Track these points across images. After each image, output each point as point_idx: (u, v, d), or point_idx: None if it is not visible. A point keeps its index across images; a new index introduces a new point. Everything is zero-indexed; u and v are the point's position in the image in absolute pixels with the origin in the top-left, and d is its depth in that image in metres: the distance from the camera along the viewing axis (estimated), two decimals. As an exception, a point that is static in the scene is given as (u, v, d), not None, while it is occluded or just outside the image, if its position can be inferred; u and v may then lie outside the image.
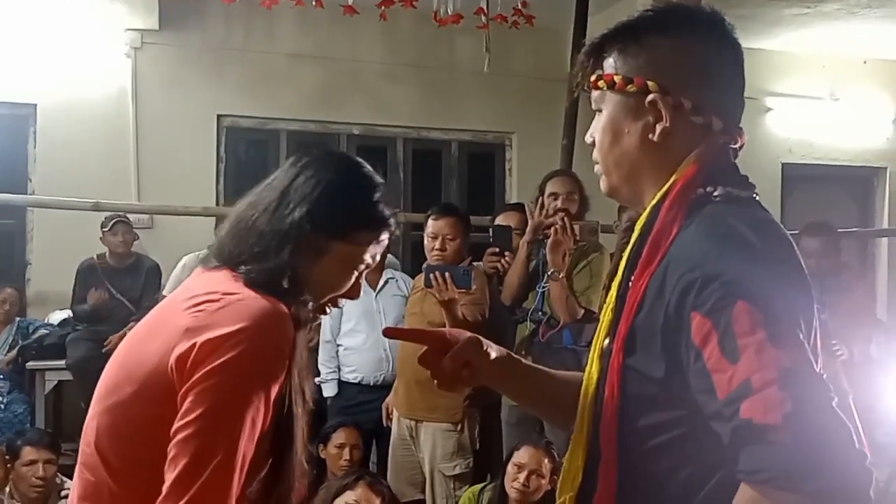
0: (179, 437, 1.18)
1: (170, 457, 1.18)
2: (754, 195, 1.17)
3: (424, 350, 1.35)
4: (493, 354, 1.36)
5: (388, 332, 1.41)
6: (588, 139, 1.26)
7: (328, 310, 1.44)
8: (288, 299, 1.28)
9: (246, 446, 1.20)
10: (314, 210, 1.34)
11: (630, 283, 1.15)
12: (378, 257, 1.44)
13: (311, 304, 1.33)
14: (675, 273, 1.07)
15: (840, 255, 4.35)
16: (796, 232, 4.14)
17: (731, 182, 1.16)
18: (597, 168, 1.26)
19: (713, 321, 1.01)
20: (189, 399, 1.19)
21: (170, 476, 1.17)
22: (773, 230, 1.12)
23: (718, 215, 1.11)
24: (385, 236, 1.42)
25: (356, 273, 1.41)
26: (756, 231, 1.08)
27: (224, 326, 1.21)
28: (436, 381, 1.36)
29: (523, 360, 1.43)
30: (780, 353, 0.98)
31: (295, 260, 1.31)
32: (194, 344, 1.20)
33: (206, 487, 1.16)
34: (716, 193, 1.13)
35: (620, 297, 1.17)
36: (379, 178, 1.43)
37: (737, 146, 1.20)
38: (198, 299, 1.27)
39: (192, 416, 1.18)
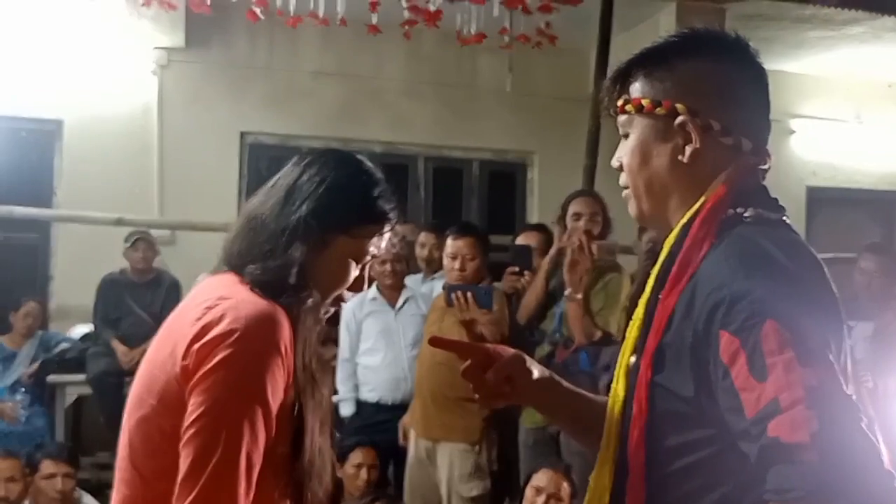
0: (185, 438, 1.23)
1: (181, 459, 1.23)
2: (784, 217, 1.17)
3: (468, 364, 1.36)
4: (536, 373, 1.37)
5: (434, 342, 1.44)
6: (615, 163, 1.27)
7: (342, 303, 1.48)
8: (291, 296, 1.33)
9: (250, 446, 1.24)
10: (319, 206, 1.39)
11: (658, 301, 1.15)
12: (381, 249, 1.48)
13: (313, 299, 1.37)
14: (703, 291, 1.07)
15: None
16: (826, 255, 4.12)
17: (762, 203, 1.16)
18: (625, 193, 1.27)
19: (741, 340, 1.01)
20: (191, 402, 1.24)
21: (179, 477, 1.22)
22: (803, 252, 1.12)
23: (748, 236, 1.11)
24: (387, 229, 1.46)
25: (359, 266, 1.46)
26: (786, 252, 1.08)
27: (217, 328, 1.26)
28: (477, 395, 1.37)
29: (564, 382, 1.42)
30: (809, 372, 0.97)
31: (302, 255, 1.36)
32: (193, 350, 1.26)
33: (210, 484, 1.20)
34: (746, 214, 1.14)
35: (648, 315, 1.17)
36: (379, 174, 1.48)
37: (765, 167, 1.21)
38: (200, 307, 1.31)
39: (194, 416, 1.23)
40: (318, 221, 1.38)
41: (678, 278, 1.12)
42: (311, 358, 1.36)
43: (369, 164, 1.49)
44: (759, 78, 1.21)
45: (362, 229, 1.43)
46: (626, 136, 1.25)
